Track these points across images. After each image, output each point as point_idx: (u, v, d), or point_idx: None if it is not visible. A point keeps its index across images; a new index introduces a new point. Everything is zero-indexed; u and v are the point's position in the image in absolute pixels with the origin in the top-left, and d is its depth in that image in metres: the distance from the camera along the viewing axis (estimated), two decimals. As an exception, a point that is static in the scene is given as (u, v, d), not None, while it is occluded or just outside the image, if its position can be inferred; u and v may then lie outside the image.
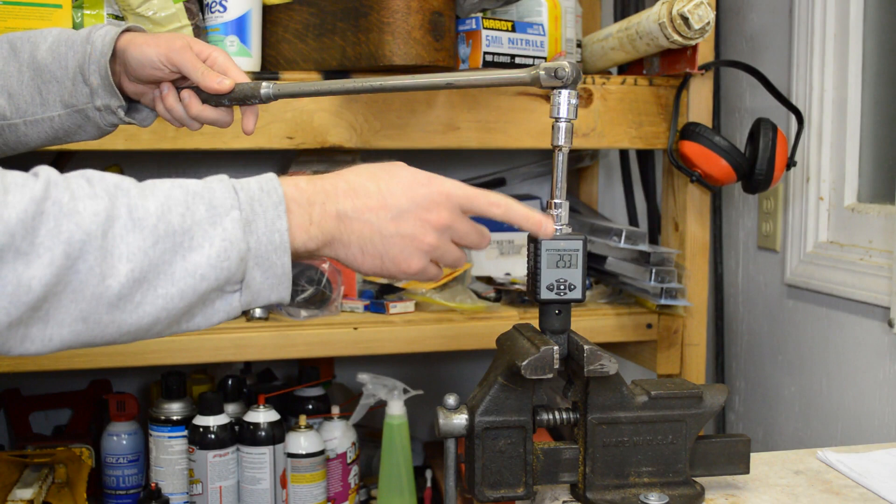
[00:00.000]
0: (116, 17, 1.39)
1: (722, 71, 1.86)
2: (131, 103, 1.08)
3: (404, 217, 0.83)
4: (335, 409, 1.65)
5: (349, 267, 0.86)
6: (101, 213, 0.71)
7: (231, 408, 1.64)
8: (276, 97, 1.03)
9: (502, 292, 1.65)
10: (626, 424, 0.92)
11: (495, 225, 1.80)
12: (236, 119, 1.08)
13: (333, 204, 0.82)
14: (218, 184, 0.78)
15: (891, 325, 1.38)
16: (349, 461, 1.64)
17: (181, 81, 1.05)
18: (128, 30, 1.03)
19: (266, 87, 1.02)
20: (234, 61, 1.05)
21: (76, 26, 1.36)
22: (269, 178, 0.80)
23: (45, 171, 0.71)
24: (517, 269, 1.79)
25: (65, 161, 1.68)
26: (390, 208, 0.83)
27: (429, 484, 1.74)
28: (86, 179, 0.73)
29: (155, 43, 1.01)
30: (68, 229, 0.69)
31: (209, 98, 1.04)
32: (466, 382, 2.05)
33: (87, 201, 0.70)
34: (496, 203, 0.87)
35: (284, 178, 0.82)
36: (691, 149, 1.49)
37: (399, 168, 0.86)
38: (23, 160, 1.70)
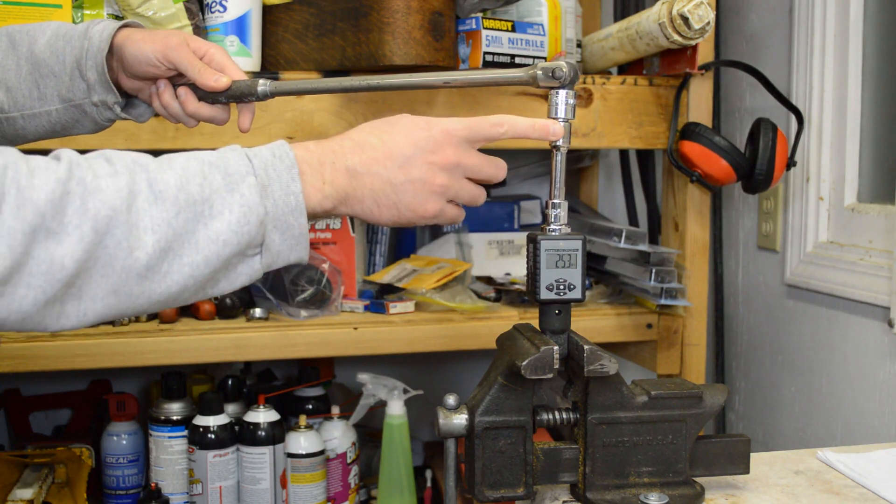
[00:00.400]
0: (116, 17, 1.39)
1: (722, 71, 1.86)
2: (128, 99, 1.08)
3: (411, 163, 0.86)
4: (335, 409, 1.65)
5: (368, 221, 0.89)
6: (124, 188, 0.73)
7: (231, 408, 1.64)
8: (272, 95, 1.03)
9: (502, 292, 1.65)
10: (626, 424, 0.92)
11: (496, 225, 1.82)
12: (236, 119, 1.08)
13: (342, 161, 0.85)
14: (231, 153, 0.81)
15: (891, 325, 1.38)
16: (349, 461, 1.64)
17: (178, 78, 1.05)
18: (125, 25, 1.03)
19: (263, 85, 1.02)
20: (232, 58, 1.05)
21: (76, 26, 1.36)
22: (280, 143, 0.83)
23: (67, 154, 0.74)
24: (517, 269, 1.79)
25: (65, 161, 1.68)
26: (396, 157, 0.86)
27: (429, 484, 1.74)
28: (105, 158, 0.76)
29: (152, 40, 1.01)
30: (94, 206, 0.71)
31: (206, 95, 1.04)
32: (466, 382, 2.05)
33: (108, 179, 0.73)
34: (498, 123, 0.89)
35: (295, 143, 0.84)
36: (691, 149, 1.49)
37: (400, 118, 0.88)
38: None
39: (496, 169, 0.91)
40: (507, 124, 0.89)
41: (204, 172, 0.78)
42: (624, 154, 1.96)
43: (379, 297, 1.60)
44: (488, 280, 1.75)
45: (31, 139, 1.06)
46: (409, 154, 0.86)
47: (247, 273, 0.81)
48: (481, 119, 0.89)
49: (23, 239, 0.68)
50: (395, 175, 0.86)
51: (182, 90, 1.04)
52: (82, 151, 0.77)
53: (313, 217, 0.84)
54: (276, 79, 1.35)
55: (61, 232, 0.70)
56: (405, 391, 1.59)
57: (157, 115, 1.27)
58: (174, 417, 1.58)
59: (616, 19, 1.87)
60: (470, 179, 0.90)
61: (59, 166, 0.72)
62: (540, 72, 0.91)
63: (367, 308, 1.57)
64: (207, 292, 0.80)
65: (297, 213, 0.81)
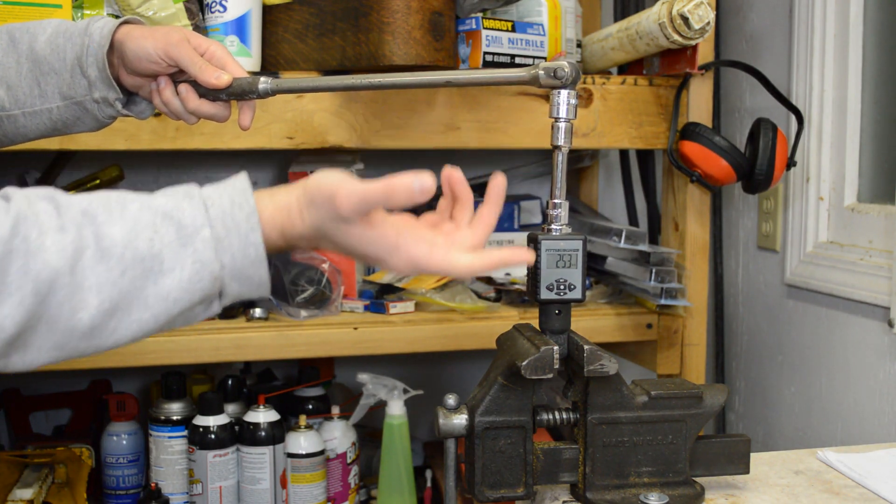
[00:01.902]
0: (116, 17, 1.39)
1: (722, 71, 1.86)
2: (130, 95, 1.07)
3: (370, 257, 0.81)
4: (335, 409, 1.65)
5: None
6: (69, 246, 0.70)
7: (231, 408, 1.64)
8: (273, 92, 1.03)
9: (502, 292, 1.65)
10: (626, 424, 0.92)
11: (496, 225, 1.82)
12: (236, 119, 1.08)
13: (300, 245, 0.80)
14: (187, 202, 0.76)
15: (891, 325, 1.38)
16: (349, 461, 1.64)
17: (179, 75, 1.04)
18: (126, 22, 1.02)
19: (264, 83, 1.02)
20: (232, 56, 1.05)
21: (76, 26, 1.36)
22: (242, 190, 0.77)
23: (15, 202, 0.71)
24: (517, 269, 1.79)
25: (65, 161, 1.68)
26: (353, 256, 0.82)
27: (429, 484, 1.74)
28: (54, 206, 0.72)
29: (153, 36, 1.00)
30: (36, 268, 0.69)
31: (206, 92, 1.04)
32: (466, 382, 2.05)
33: (54, 235, 0.70)
34: (462, 276, 0.82)
35: (259, 195, 0.79)
36: (691, 149, 1.49)
37: (344, 237, 0.79)
38: (22, 160, 1.70)
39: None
40: (479, 271, 0.81)
41: (155, 225, 0.74)
42: (624, 154, 1.96)
43: (379, 297, 1.60)
44: (488, 280, 1.75)
45: (33, 137, 1.06)
46: (370, 255, 0.80)
47: (205, 315, 0.79)
48: (446, 268, 0.80)
49: None
50: (355, 253, 0.82)
51: (183, 87, 1.04)
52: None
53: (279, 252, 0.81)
54: (277, 77, 1.35)
55: (3, 292, 0.68)
56: (405, 391, 1.59)
57: (157, 114, 1.27)
58: (174, 417, 1.58)
59: (616, 19, 1.87)
60: None
61: (4, 221, 0.69)
62: (542, 72, 0.91)
63: (367, 308, 1.57)
64: (164, 331, 0.78)
65: (258, 265, 0.77)
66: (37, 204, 0.72)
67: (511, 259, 0.82)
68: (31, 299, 0.69)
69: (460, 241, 0.81)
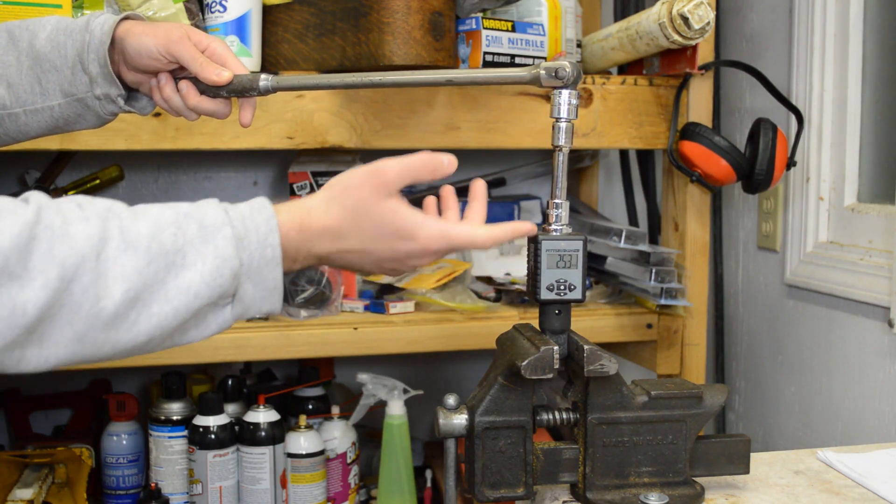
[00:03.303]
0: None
1: (722, 71, 1.86)
2: (131, 92, 1.07)
3: (385, 262, 0.86)
4: (335, 409, 1.65)
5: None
6: (94, 235, 0.71)
7: (231, 408, 1.64)
8: (274, 89, 1.03)
9: (502, 292, 1.65)
10: (626, 424, 0.92)
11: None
12: (236, 119, 1.08)
13: (318, 249, 0.84)
14: (208, 205, 0.80)
15: (891, 325, 1.38)
16: (349, 461, 1.64)
17: (180, 71, 1.04)
18: (126, 18, 1.02)
19: (265, 80, 1.02)
20: (233, 53, 1.05)
21: (76, 26, 1.36)
22: (260, 200, 0.83)
23: (36, 197, 0.72)
24: (517, 269, 1.79)
25: (65, 160, 1.68)
26: (372, 255, 0.85)
27: (429, 484, 1.74)
28: (76, 204, 0.74)
29: (154, 33, 1.00)
30: (62, 252, 0.69)
31: (207, 89, 1.04)
32: (466, 382, 2.05)
33: (79, 224, 0.71)
34: (484, 247, 0.87)
35: (280, 214, 0.82)
36: (691, 149, 1.49)
37: (380, 211, 0.83)
38: (23, 160, 1.70)
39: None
40: (492, 243, 0.87)
41: (178, 222, 0.76)
42: (624, 154, 1.96)
43: (379, 297, 1.60)
44: (488, 280, 1.75)
45: (34, 135, 1.05)
46: (385, 257, 0.86)
47: (217, 323, 0.80)
48: (467, 240, 0.86)
49: None
50: (367, 265, 0.87)
51: (183, 84, 1.04)
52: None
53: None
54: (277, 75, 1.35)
55: (25, 276, 0.68)
56: (405, 391, 1.59)
57: (157, 113, 1.27)
58: (174, 417, 1.58)
59: (616, 19, 1.87)
60: None
61: (26, 210, 0.70)
62: (543, 71, 0.91)
63: (367, 308, 1.57)
64: (175, 341, 0.79)
65: (273, 265, 0.80)
66: (58, 202, 0.73)
67: (520, 230, 0.88)
68: (55, 283, 0.69)
69: (470, 221, 0.88)
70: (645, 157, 1.88)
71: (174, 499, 1.56)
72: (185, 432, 1.57)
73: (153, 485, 1.53)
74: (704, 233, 1.58)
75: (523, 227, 0.88)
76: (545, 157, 2.00)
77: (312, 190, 1.60)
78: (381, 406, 1.63)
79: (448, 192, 0.90)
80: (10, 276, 0.67)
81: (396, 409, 1.59)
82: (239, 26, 1.38)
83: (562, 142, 0.92)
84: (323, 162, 1.64)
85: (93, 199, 0.75)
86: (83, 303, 0.71)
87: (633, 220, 1.95)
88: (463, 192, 0.91)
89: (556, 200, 0.93)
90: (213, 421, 1.54)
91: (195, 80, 1.04)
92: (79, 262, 0.70)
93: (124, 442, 1.61)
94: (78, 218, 0.72)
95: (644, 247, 1.54)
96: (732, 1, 1.84)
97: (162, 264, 0.74)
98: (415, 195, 1.71)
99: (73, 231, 0.71)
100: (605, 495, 0.92)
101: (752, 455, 0.98)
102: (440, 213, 0.90)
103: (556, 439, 0.96)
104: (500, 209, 1.85)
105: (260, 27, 1.42)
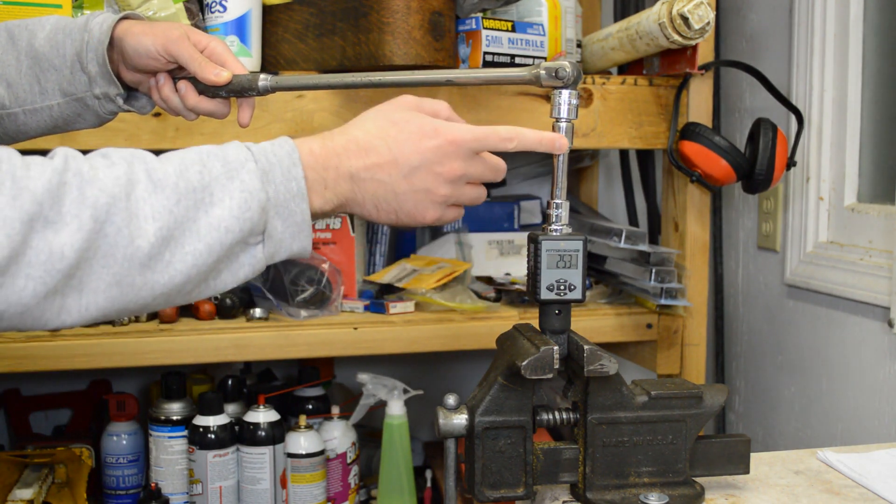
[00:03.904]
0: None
1: (722, 71, 1.86)
2: (130, 91, 1.07)
3: (416, 173, 0.85)
4: (335, 409, 1.65)
5: (364, 219, 0.88)
6: (122, 177, 0.73)
7: (231, 408, 1.64)
8: (273, 89, 1.03)
9: (502, 292, 1.65)
10: (626, 424, 0.92)
11: (495, 225, 1.82)
12: (236, 119, 1.08)
13: (346, 165, 0.84)
14: (230, 144, 0.80)
15: (891, 325, 1.38)
16: (349, 461, 1.64)
17: (179, 71, 1.04)
18: (125, 17, 1.02)
19: (264, 80, 1.02)
20: (232, 53, 1.05)
21: (76, 26, 1.36)
22: (281, 137, 0.83)
23: (62, 149, 0.73)
24: (517, 269, 1.79)
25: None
26: (401, 166, 0.84)
27: (429, 484, 1.74)
28: (101, 154, 0.75)
29: (152, 33, 1.00)
30: (93, 194, 0.70)
31: (206, 89, 1.03)
32: (466, 382, 2.05)
33: (106, 169, 0.73)
34: (508, 138, 0.87)
35: (299, 139, 0.83)
36: (691, 149, 1.49)
37: (407, 117, 0.86)
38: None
39: (496, 173, 0.90)
40: (517, 139, 0.88)
41: (203, 161, 0.77)
42: (624, 154, 1.96)
43: (379, 297, 1.60)
44: (488, 280, 1.75)
45: (33, 135, 1.05)
46: (415, 164, 0.84)
47: (249, 263, 0.80)
48: (491, 130, 0.87)
49: (21, 228, 0.67)
50: (399, 184, 0.84)
51: (182, 84, 1.04)
52: (83, 152, 0.76)
53: (313, 217, 0.83)
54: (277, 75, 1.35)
55: (59, 221, 0.69)
56: (405, 391, 1.59)
57: (157, 113, 1.27)
58: (174, 417, 1.58)
59: (616, 19, 1.87)
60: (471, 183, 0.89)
61: (54, 160, 0.71)
62: (543, 71, 0.91)
63: (367, 308, 1.57)
64: (210, 285, 0.79)
65: (299, 199, 0.80)
66: (86, 155, 0.74)
67: (545, 138, 0.89)
68: (90, 225, 0.70)
69: None
70: (645, 157, 1.88)
71: (174, 499, 1.56)
72: (185, 432, 1.57)
73: (153, 485, 1.53)
74: (704, 233, 1.58)
75: (550, 136, 0.89)
76: (545, 157, 2.00)
77: (312, 190, 1.60)
78: (381, 406, 1.63)
79: None
80: (46, 221, 0.68)
81: (396, 409, 1.59)
82: (239, 26, 1.38)
83: (562, 142, 0.92)
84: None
85: (117, 148, 0.77)
86: (118, 244, 0.71)
87: (633, 220, 1.95)
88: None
89: (556, 200, 0.93)
90: (213, 421, 1.54)
91: (194, 80, 1.04)
92: (110, 203, 0.71)
93: (124, 442, 1.61)
94: (104, 164, 0.73)
95: (644, 247, 1.54)
96: (732, 1, 1.84)
97: (191, 202, 0.75)
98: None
99: (101, 175, 0.72)
100: (605, 495, 0.92)
101: (752, 455, 0.98)
102: None
103: (556, 439, 0.96)
104: (500, 209, 1.85)
105: (260, 27, 1.42)
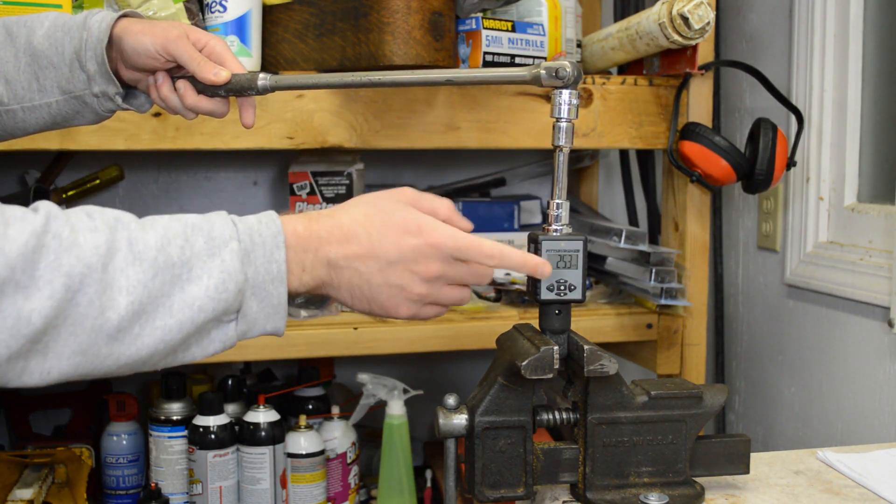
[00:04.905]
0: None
1: (722, 71, 1.86)
2: (129, 89, 1.07)
3: (392, 268, 0.84)
4: (335, 409, 1.65)
5: (340, 304, 0.87)
6: (102, 245, 0.71)
7: (231, 408, 1.64)
8: (273, 89, 1.02)
9: (502, 292, 1.65)
10: (626, 424, 0.92)
11: (495, 225, 1.82)
12: (236, 119, 1.08)
13: (325, 251, 0.83)
14: (216, 217, 0.79)
15: (891, 325, 1.38)
16: (349, 461, 1.64)
17: (177, 70, 1.04)
18: (124, 15, 1.02)
19: (263, 79, 1.02)
20: (232, 51, 1.05)
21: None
22: (268, 213, 0.82)
23: (45, 206, 0.72)
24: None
25: (65, 160, 1.68)
26: (379, 259, 0.84)
27: (429, 484, 1.74)
28: (86, 213, 0.73)
29: (151, 32, 1.00)
30: (69, 262, 0.69)
31: (205, 88, 1.03)
32: (466, 382, 2.05)
33: (87, 234, 0.71)
34: (490, 255, 0.86)
35: (283, 217, 0.82)
36: (691, 149, 1.49)
37: (395, 208, 0.85)
38: (23, 160, 1.70)
39: (480, 279, 0.89)
40: (499, 257, 0.87)
41: (186, 234, 0.76)
42: (624, 154, 1.96)
43: (379, 297, 1.60)
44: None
45: (32, 131, 1.05)
46: (392, 259, 0.84)
47: (220, 340, 0.79)
48: (475, 243, 0.86)
49: None
50: (375, 276, 0.84)
51: (181, 83, 1.04)
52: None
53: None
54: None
55: (31, 286, 0.67)
56: (405, 391, 1.59)
57: (157, 114, 1.27)
58: (174, 417, 1.58)
59: (616, 19, 1.87)
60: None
61: (35, 218, 0.69)
62: (543, 71, 0.91)
63: (367, 308, 1.56)
64: (178, 358, 0.78)
65: (278, 282, 0.79)
66: (68, 212, 0.73)
67: (529, 262, 0.89)
68: (61, 293, 0.69)
69: None
70: (645, 157, 1.88)
71: (174, 499, 1.56)
72: (185, 432, 1.57)
73: (153, 485, 1.53)
74: (704, 233, 1.58)
75: (534, 261, 0.89)
76: (545, 157, 2.00)
77: (312, 190, 1.60)
78: (381, 406, 1.63)
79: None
80: (17, 286, 0.67)
81: (396, 409, 1.59)
82: (239, 26, 1.38)
83: (562, 142, 0.92)
84: (323, 162, 1.64)
85: (102, 209, 0.75)
86: (88, 314, 0.70)
87: (633, 220, 1.95)
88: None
89: (556, 200, 0.93)
90: (213, 421, 1.54)
91: (193, 80, 1.03)
92: (85, 272, 0.70)
93: (124, 442, 1.61)
94: (86, 227, 0.71)
95: (644, 247, 1.54)
96: (732, 1, 1.84)
97: (168, 277, 0.74)
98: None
99: (80, 241, 0.70)
100: (605, 495, 0.92)
101: (752, 455, 0.98)
102: None
103: (556, 439, 0.96)
104: (500, 209, 1.85)
105: (260, 27, 1.42)
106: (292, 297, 0.84)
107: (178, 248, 0.75)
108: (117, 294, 0.71)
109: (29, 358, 0.70)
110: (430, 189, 1.71)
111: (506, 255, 0.87)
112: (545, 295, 0.92)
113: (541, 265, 0.89)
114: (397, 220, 0.84)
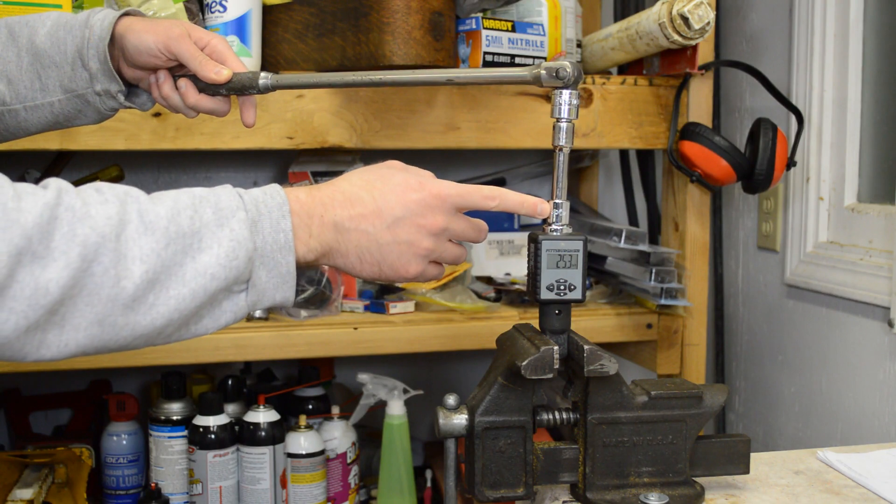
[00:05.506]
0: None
1: (722, 71, 1.86)
2: (131, 87, 1.07)
3: (400, 224, 0.86)
4: (335, 409, 1.65)
5: (347, 273, 0.89)
6: (114, 216, 0.72)
7: (231, 408, 1.64)
8: (274, 87, 1.03)
9: (502, 292, 1.65)
10: (626, 424, 0.92)
11: (495, 225, 1.82)
12: (236, 119, 1.08)
13: (331, 215, 0.84)
14: (222, 190, 0.81)
15: (891, 325, 1.38)
16: (349, 461, 1.64)
17: (179, 69, 1.04)
18: (126, 14, 1.02)
19: (264, 78, 1.02)
20: (233, 50, 1.05)
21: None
22: (272, 185, 0.83)
23: (55, 181, 0.73)
24: (517, 269, 1.79)
25: (65, 160, 1.68)
26: (385, 217, 0.85)
27: (429, 484, 1.74)
28: (94, 189, 0.74)
29: (153, 30, 1.00)
30: (83, 232, 0.70)
31: (206, 87, 1.03)
32: (466, 382, 2.05)
33: (98, 206, 0.72)
34: (490, 196, 0.90)
35: (286, 189, 0.83)
36: (691, 149, 1.49)
37: (392, 172, 0.88)
38: (23, 160, 1.70)
39: (479, 233, 0.92)
40: (499, 199, 0.90)
41: (195, 206, 0.77)
42: (624, 154, 1.96)
43: (379, 297, 1.60)
44: (488, 280, 1.75)
45: (34, 131, 1.05)
46: (399, 215, 0.85)
47: (231, 310, 0.80)
48: (474, 189, 0.89)
49: (8, 261, 0.66)
50: (383, 235, 0.85)
51: (182, 82, 1.04)
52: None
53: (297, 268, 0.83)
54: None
55: (47, 257, 0.68)
56: (405, 391, 1.59)
57: (157, 114, 1.27)
58: (174, 417, 1.58)
59: (616, 19, 1.87)
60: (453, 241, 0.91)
61: (47, 192, 0.70)
62: (543, 71, 0.91)
63: (367, 308, 1.57)
64: (191, 329, 0.79)
65: (286, 251, 0.80)
66: (78, 188, 0.74)
67: (528, 202, 0.92)
68: (77, 263, 0.69)
69: None
70: (645, 157, 1.88)
71: (174, 499, 1.56)
72: (185, 432, 1.57)
73: (153, 485, 1.53)
74: (704, 233, 1.58)
75: (532, 200, 0.91)
76: (545, 157, 2.00)
77: (312, 190, 1.60)
78: (381, 406, 1.63)
79: None
80: (34, 256, 0.68)
81: (396, 409, 1.59)
82: (239, 26, 1.38)
83: (562, 142, 0.92)
84: (323, 162, 1.64)
85: (111, 184, 0.76)
86: (103, 284, 0.71)
87: (633, 220, 1.95)
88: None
89: (557, 200, 0.93)
90: (213, 421, 1.54)
91: (194, 78, 1.03)
92: (100, 242, 0.71)
93: (124, 442, 1.61)
94: (97, 201, 0.72)
95: (644, 247, 1.54)
96: (732, 1, 1.84)
97: (180, 246, 0.75)
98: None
99: (93, 212, 0.71)
100: (605, 495, 0.92)
101: (752, 455, 0.98)
102: None
103: (556, 439, 0.96)
104: (500, 209, 1.84)
105: (260, 27, 1.42)
106: (301, 266, 0.84)
107: (188, 218, 0.76)
108: (131, 263, 0.72)
109: (47, 330, 0.70)
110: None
111: (505, 196, 0.90)
112: (545, 295, 0.92)
113: (539, 203, 0.92)
114: (398, 180, 0.87)
